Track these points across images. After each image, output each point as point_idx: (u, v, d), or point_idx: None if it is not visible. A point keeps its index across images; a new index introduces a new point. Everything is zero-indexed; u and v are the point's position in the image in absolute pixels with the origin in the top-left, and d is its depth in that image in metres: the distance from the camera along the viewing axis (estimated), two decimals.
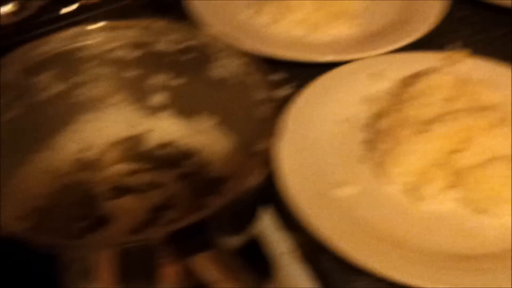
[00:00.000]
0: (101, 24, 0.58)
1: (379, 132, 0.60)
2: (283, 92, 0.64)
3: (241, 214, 0.48)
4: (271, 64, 0.65)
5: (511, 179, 0.54)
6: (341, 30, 0.74)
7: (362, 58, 0.67)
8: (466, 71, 0.64)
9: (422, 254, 0.50)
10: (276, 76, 0.66)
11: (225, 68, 0.56)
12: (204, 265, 0.41)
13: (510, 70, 0.65)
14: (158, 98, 0.60)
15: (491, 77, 0.63)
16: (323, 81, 0.65)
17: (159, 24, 0.58)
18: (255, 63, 0.55)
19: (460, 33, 0.73)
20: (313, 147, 0.59)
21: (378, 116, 0.62)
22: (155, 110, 0.61)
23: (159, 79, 0.59)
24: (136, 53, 0.58)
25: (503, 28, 0.75)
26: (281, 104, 0.61)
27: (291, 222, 0.52)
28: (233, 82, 0.55)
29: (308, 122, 0.61)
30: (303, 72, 0.66)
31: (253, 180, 0.46)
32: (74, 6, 0.73)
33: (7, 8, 0.71)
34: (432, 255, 0.50)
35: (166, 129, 0.60)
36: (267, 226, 0.53)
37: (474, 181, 0.55)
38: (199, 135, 0.59)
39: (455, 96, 0.60)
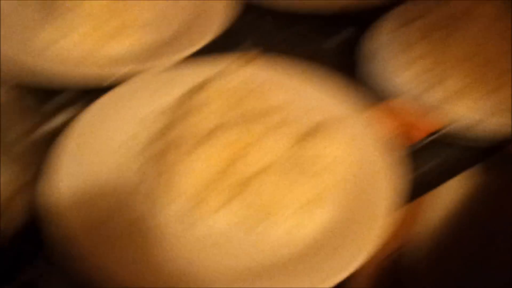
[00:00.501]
0: None
1: (154, 156, 0.58)
2: (60, 118, 0.63)
3: (8, 260, 0.46)
4: (50, 87, 0.64)
5: (290, 183, 0.53)
6: (130, 42, 0.71)
7: (154, 68, 0.65)
8: (254, 73, 0.64)
9: (204, 277, 0.50)
10: (51, 103, 0.65)
11: None
12: None
13: (297, 70, 0.65)
14: None
15: (279, 78, 0.64)
16: (102, 103, 0.62)
17: None
18: (25, 90, 0.53)
19: (250, 36, 0.74)
20: (88, 177, 0.56)
21: (155, 137, 0.60)
22: None
23: None
24: None
25: (292, 29, 0.76)
26: (57, 132, 0.59)
27: (64, 262, 0.51)
28: (4, 111, 0.52)
29: (85, 150, 0.58)
30: (94, 93, 0.63)
31: (13, 220, 0.44)
32: None
33: None
34: (216, 276, 0.50)
35: None
36: (41, 269, 0.52)
37: (255, 190, 0.54)
38: None
39: (244, 96, 0.60)
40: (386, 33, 0.71)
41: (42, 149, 0.52)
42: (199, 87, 0.62)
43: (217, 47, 0.68)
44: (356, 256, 0.50)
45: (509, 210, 0.57)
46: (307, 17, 0.76)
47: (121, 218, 0.54)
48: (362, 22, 0.74)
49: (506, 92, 0.63)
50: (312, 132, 0.58)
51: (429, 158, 0.63)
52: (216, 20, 0.71)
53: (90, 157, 0.57)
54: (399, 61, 0.67)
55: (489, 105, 0.63)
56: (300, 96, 0.62)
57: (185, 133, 0.57)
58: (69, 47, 0.70)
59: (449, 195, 0.59)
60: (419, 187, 0.59)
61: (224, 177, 0.54)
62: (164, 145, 0.58)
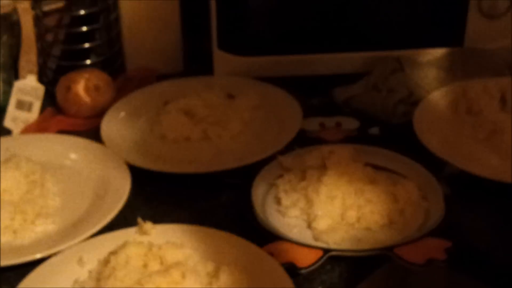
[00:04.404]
0: None
1: None
2: None
3: None
4: None
5: None
6: (41, 229, 0.81)
7: (67, 248, 0.75)
8: (154, 238, 0.76)
9: None
10: None
11: None
12: None
13: (190, 230, 0.77)
14: None
15: (175, 239, 0.75)
16: (34, 276, 0.71)
17: None
18: None
19: (146, 206, 0.85)
20: None
21: None
22: None
23: None
24: None
25: (179, 196, 0.87)
26: None
27: None
28: None
29: None
30: (17, 275, 0.73)
31: None
32: None
33: None
34: None
35: None
36: None
37: None
38: None
39: (147, 262, 0.72)
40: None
41: None
42: (111, 256, 0.73)
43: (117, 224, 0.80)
44: None
45: None
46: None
47: None
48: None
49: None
50: (215, 275, 0.70)
51: (323, 276, 0.73)
52: (116, 200, 0.83)
53: None
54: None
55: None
56: (197, 248, 0.75)
57: None
58: None
59: None
60: None
61: None
62: None
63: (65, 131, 0.98)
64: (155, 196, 0.87)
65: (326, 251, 0.73)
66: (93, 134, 0.97)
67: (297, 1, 1.06)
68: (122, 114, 1.01)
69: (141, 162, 0.90)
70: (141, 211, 0.82)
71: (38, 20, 1.04)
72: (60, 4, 1.05)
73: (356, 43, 1.08)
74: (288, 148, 0.91)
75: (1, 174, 0.83)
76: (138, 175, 0.88)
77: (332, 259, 0.73)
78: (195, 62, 1.15)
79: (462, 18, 1.07)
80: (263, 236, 0.77)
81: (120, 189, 0.84)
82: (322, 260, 0.72)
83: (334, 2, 1.06)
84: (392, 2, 1.07)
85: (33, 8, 1.02)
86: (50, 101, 1.04)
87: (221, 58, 1.08)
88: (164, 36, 1.12)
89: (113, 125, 0.98)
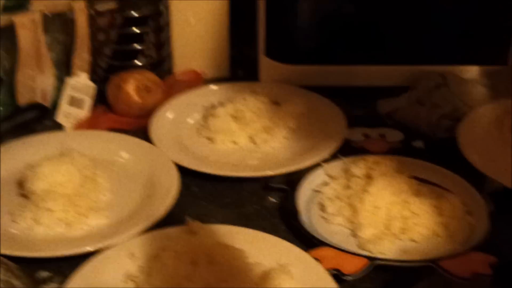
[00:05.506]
0: None
1: None
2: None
3: None
4: (38, 263, 0.76)
5: None
6: (94, 222, 0.83)
7: (118, 243, 0.77)
8: (202, 238, 0.77)
9: None
10: (41, 274, 0.77)
11: None
12: None
13: (238, 231, 0.79)
14: None
15: (223, 239, 0.76)
16: (86, 268, 0.74)
17: None
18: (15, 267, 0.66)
19: (193, 207, 0.87)
20: None
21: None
22: None
23: None
24: None
25: (225, 198, 0.90)
26: None
27: None
28: None
29: None
30: (69, 266, 0.75)
31: None
32: None
33: None
34: None
35: None
36: None
37: None
38: None
39: (196, 259, 0.73)
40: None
41: None
42: (161, 252, 0.75)
43: (166, 222, 0.82)
44: None
45: None
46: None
47: None
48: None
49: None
50: (263, 276, 0.71)
51: (367, 285, 0.74)
52: (165, 198, 0.85)
53: None
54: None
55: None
56: (245, 250, 0.75)
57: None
58: (43, 231, 0.82)
59: None
60: None
61: None
62: None
63: (115, 129, 1.01)
64: (201, 197, 0.89)
65: (372, 259, 0.74)
66: (142, 133, 0.99)
67: (345, 12, 1.08)
68: (171, 114, 1.03)
69: (188, 163, 0.92)
70: (188, 211, 0.84)
71: (92, 19, 1.06)
72: (113, 5, 1.08)
73: (402, 56, 1.10)
74: (333, 157, 0.93)
75: (56, 168, 0.85)
76: (185, 175, 0.90)
77: (376, 268, 0.74)
78: (241, 68, 1.18)
79: (507, 37, 1.08)
80: (308, 241, 0.79)
81: (169, 188, 0.86)
82: (369, 269, 0.74)
83: (381, 15, 1.08)
84: (439, 19, 1.08)
85: (87, 8, 1.05)
86: (100, 99, 1.06)
87: (267, 65, 1.11)
88: (212, 41, 1.14)
89: (161, 125, 1.00)
